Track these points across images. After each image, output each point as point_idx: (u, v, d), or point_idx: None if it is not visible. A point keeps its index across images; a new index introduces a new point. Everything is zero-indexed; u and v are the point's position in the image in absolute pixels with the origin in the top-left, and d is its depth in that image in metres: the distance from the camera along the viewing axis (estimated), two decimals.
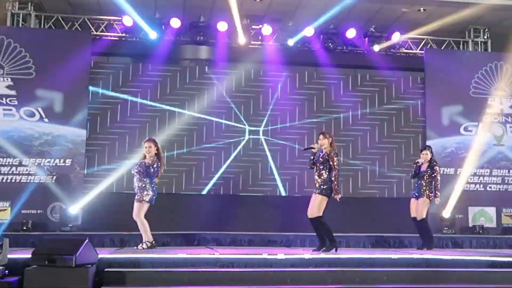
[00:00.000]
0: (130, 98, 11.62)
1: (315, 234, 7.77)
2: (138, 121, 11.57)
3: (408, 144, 12.28)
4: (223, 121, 11.90)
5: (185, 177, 11.59)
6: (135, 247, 8.05)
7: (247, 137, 11.96)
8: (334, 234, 7.57)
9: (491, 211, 11.97)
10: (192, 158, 11.68)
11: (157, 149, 8.28)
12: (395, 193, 12.05)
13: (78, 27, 11.77)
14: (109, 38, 11.89)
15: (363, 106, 12.34)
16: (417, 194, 8.88)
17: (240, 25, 11.73)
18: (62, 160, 10.94)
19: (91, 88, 11.41)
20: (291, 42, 12.19)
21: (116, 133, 11.48)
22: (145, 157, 8.22)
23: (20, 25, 11.52)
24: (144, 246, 7.95)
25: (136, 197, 8.10)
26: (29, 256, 5.36)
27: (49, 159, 10.89)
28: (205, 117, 11.80)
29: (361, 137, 12.19)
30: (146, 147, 8.22)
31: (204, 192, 11.63)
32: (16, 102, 10.90)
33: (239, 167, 11.82)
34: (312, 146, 7.82)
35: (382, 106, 12.39)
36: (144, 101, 11.66)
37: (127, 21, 11.53)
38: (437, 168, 8.90)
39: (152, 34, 11.62)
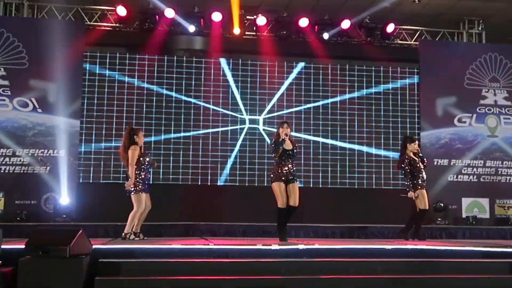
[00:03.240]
0: (125, 90, 11.63)
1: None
2: (134, 113, 11.54)
3: (402, 134, 12.29)
4: (220, 110, 11.94)
5: (180, 167, 11.59)
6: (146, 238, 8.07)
7: (244, 126, 11.96)
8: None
9: (485, 202, 12.03)
10: (187, 148, 11.67)
11: None
12: (390, 184, 12.11)
13: (72, 17, 11.69)
14: (103, 28, 11.82)
15: (358, 96, 12.35)
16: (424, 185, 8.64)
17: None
18: (56, 151, 10.90)
19: (87, 71, 11.44)
20: (286, 32, 12.13)
21: (112, 123, 11.46)
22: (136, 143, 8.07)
23: (13, 15, 11.44)
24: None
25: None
26: (23, 246, 5.33)
27: (42, 150, 10.86)
28: (203, 104, 11.88)
29: (356, 128, 12.21)
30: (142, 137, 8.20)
31: (199, 183, 11.63)
32: (9, 92, 10.85)
33: (235, 157, 11.83)
34: (284, 138, 7.53)
35: (376, 96, 12.41)
36: (140, 84, 11.71)
37: (121, 11, 11.46)
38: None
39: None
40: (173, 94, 11.81)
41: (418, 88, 12.41)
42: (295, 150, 7.65)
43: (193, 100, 11.86)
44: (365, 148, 12.19)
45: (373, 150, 12.24)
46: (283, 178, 7.52)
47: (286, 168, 7.55)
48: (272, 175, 7.64)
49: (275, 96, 12.13)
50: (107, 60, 11.69)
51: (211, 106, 11.90)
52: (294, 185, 7.54)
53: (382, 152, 12.26)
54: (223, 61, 12.14)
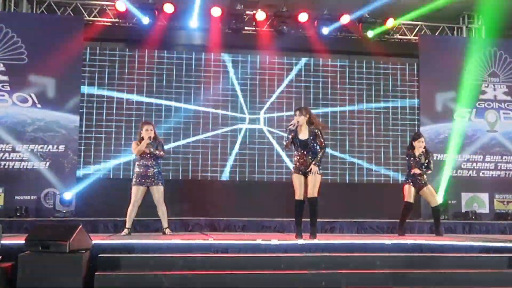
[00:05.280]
0: (125, 81, 11.63)
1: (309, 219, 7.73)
2: (132, 106, 11.53)
3: (402, 130, 12.29)
4: (221, 105, 11.92)
5: (180, 165, 11.59)
6: (164, 233, 8.05)
7: (245, 123, 11.95)
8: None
9: (484, 197, 12.03)
10: (189, 146, 11.67)
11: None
12: (392, 179, 12.10)
13: (71, 12, 11.67)
14: (102, 23, 11.80)
15: (357, 91, 12.35)
16: (418, 182, 8.49)
17: None
18: (55, 146, 10.90)
19: (86, 67, 11.42)
20: (285, 28, 12.09)
21: (111, 119, 11.45)
22: (142, 139, 8.01)
23: (12, 10, 11.42)
24: (169, 231, 8.06)
25: (158, 181, 8.03)
26: (23, 242, 5.34)
27: (42, 145, 10.86)
28: (204, 104, 11.87)
29: (355, 124, 12.20)
30: (149, 130, 8.00)
31: (199, 178, 11.64)
32: (8, 88, 10.84)
33: (235, 154, 11.83)
34: (291, 125, 7.08)
35: (376, 92, 12.41)
36: (140, 81, 11.69)
37: (120, 7, 11.43)
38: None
39: (145, 20, 11.54)
40: (174, 87, 11.81)
41: (417, 83, 12.39)
42: (312, 143, 7.03)
43: (194, 95, 11.86)
44: (364, 143, 12.19)
45: (373, 146, 12.23)
46: (301, 170, 7.08)
47: (302, 160, 7.05)
48: (293, 167, 7.22)
49: (276, 92, 12.11)
50: (106, 56, 11.67)
51: (212, 110, 11.90)
52: (311, 176, 7.00)
53: (382, 147, 12.24)
54: (222, 57, 12.11)
